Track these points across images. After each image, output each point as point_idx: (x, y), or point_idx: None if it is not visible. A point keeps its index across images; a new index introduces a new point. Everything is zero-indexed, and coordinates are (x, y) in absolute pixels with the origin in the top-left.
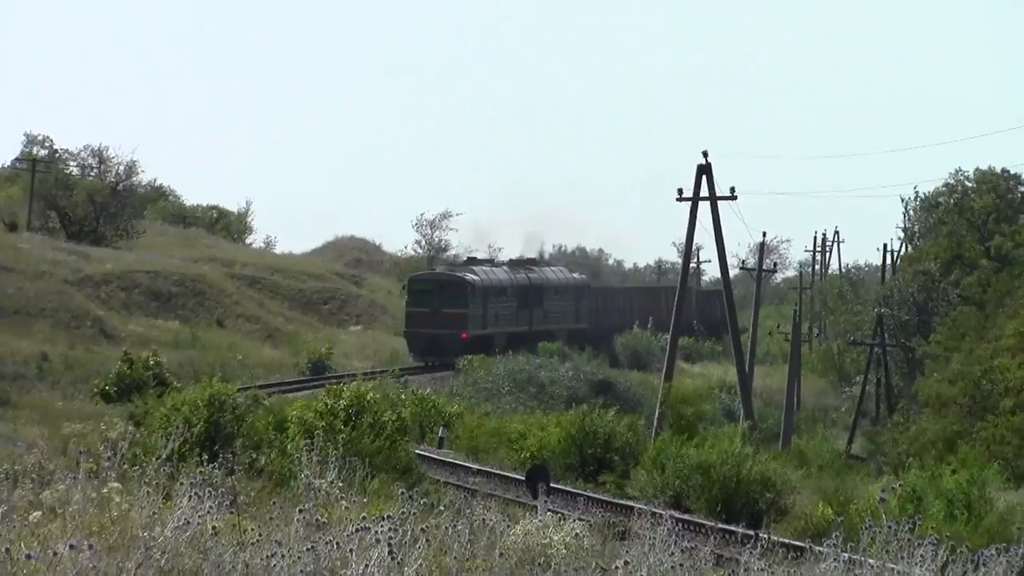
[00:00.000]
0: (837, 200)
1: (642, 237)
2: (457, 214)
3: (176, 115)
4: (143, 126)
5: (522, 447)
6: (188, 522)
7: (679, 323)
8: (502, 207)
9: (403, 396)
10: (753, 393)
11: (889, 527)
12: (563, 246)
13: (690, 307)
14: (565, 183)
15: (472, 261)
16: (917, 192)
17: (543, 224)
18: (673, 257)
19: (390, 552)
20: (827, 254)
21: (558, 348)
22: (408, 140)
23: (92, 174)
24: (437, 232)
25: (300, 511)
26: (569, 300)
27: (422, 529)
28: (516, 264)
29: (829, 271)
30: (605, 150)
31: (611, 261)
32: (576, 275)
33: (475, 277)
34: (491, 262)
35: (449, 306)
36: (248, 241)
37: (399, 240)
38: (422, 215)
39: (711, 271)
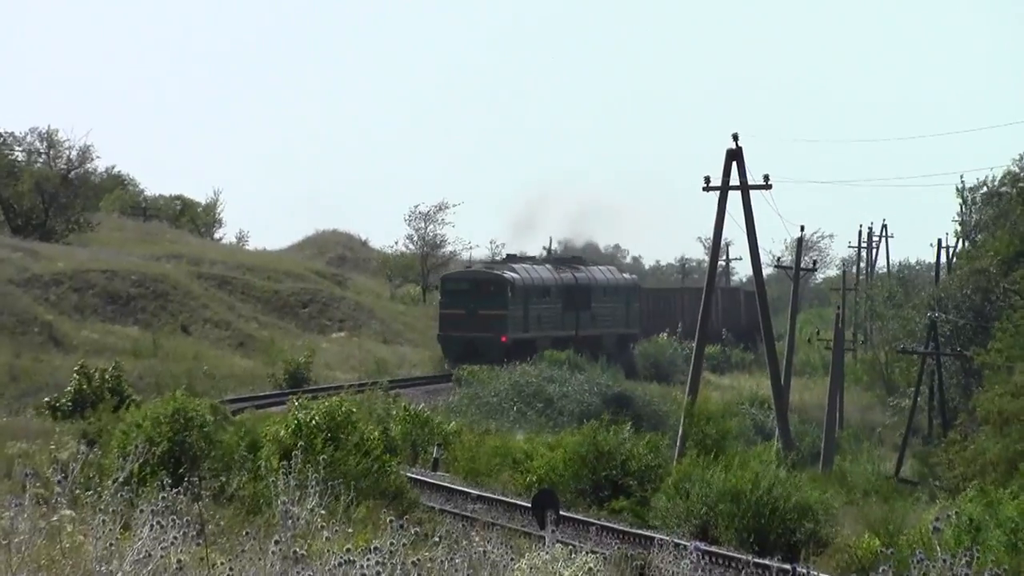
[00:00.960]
0: (885, 190)
1: (663, 231)
2: (455, 205)
3: (135, 94)
4: (98, 106)
5: (528, 469)
6: (149, 555)
7: (706, 328)
8: (503, 199)
9: (393, 411)
10: (789, 408)
11: (944, 561)
12: (568, 240)
13: (737, 309)
14: (576, 175)
15: (512, 259)
16: (963, 182)
17: (552, 216)
18: (699, 254)
19: None
20: (874, 251)
21: (568, 357)
22: (400, 125)
23: (40, 160)
24: (432, 226)
25: (276, 542)
26: (619, 302)
27: (414, 563)
28: (560, 262)
29: (876, 270)
30: (620, 137)
31: (628, 259)
32: (626, 275)
33: (515, 275)
34: (532, 259)
35: (487, 307)
36: (217, 236)
37: (389, 235)
38: (416, 207)
39: (742, 269)
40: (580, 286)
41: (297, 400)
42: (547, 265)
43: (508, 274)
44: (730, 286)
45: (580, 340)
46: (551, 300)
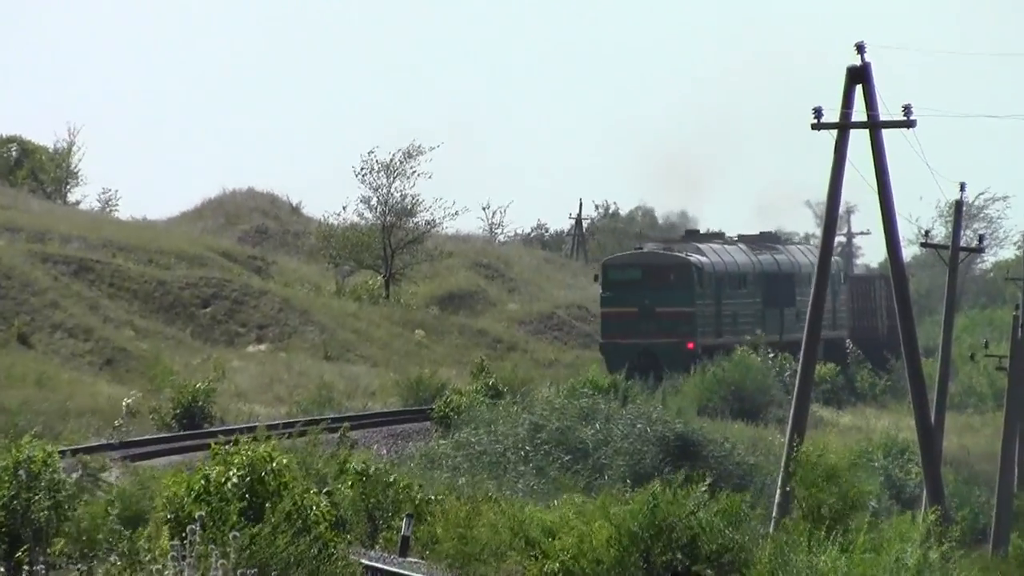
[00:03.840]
0: None
1: (755, 186)
2: (431, 148)
3: None
4: None
5: (548, 554)
6: None
7: (815, 338)
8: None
9: (343, 466)
10: (943, 460)
11: None
12: (611, 205)
13: (843, 305)
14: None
15: (693, 236)
16: None
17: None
18: (808, 226)
19: None
20: None
21: (614, 382)
22: (352, 37)
23: None
24: (398, 182)
25: None
26: None
27: None
28: (754, 241)
29: None
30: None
31: (703, 231)
32: None
33: (702, 259)
34: (720, 237)
35: (666, 303)
36: (73, 199)
37: (333, 197)
38: (371, 154)
39: (869, 249)
40: (783, 273)
41: (218, 446)
42: (740, 244)
43: (694, 257)
44: (857, 273)
45: (783, 348)
46: (748, 293)
